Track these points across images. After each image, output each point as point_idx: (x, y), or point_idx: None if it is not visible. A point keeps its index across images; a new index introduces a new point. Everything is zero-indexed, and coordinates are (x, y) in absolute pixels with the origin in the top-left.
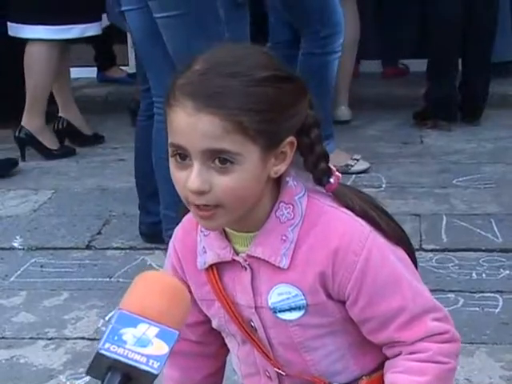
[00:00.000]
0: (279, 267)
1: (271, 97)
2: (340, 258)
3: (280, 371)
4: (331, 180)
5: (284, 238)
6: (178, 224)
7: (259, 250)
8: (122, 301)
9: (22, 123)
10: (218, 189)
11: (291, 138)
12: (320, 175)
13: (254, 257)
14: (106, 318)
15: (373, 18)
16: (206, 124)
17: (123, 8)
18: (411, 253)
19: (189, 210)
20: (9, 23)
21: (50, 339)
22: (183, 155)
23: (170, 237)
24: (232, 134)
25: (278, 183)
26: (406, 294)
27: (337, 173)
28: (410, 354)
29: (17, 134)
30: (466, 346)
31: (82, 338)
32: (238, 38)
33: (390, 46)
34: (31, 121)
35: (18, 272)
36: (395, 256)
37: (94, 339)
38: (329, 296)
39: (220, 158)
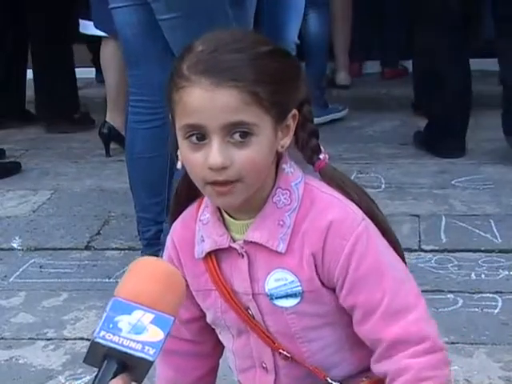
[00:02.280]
0: (276, 252)
1: (279, 69)
2: (329, 241)
3: (285, 353)
4: (321, 157)
5: (281, 223)
6: (154, 226)
7: (256, 235)
8: (116, 288)
9: (106, 119)
10: (239, 162)
11: (294, 111)
12: (311, 152)
13: (251, 242)
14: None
15: (372, 19)
16: (225, 97)
17: (113, 5)
18: (397, 245)
19: (177, 215)
20: (81, 20)
21: (49, 340)
22: (200, 135)
23: (146, 239)
24: (250, 106)
25: (275, 170)
26: (389, 287)
27: (323, 151)
28: (394, 378)
29: (101, 129)
30: (465, 346)
31: (81, 339)
32: None
33: (389, 47)
34: (115, 116)
35: (17, 272)
36: (384, 247)
37: None
38: (322, 283)
39: (239, 132)
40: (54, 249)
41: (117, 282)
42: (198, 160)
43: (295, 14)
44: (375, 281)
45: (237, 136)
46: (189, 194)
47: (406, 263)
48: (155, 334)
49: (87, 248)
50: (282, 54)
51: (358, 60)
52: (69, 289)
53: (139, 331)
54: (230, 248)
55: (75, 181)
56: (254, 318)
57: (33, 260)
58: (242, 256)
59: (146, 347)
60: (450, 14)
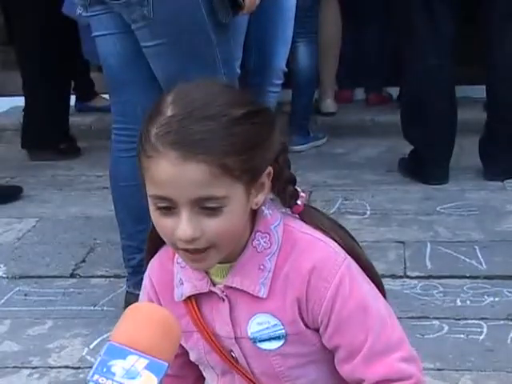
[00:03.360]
0: (257, 297)
1: (250, 134)
2: (312, 284)
3: None
4: (298, 202)
5: (262, 267)
6: (139, 254)
7: (237, 280)
8: (112, 332)
9: None
10: (210, 232)
11: (269, 169)
12: (288, 199)
13: (231, 287)
14: (91, 347)
15: (356, 45)
16: (193, 172)
17: (97, 33)
18: (379, 281)
19: (155, 249)
20: None
21: (34, 368)
22: (169, 204)
23: (132, 267)
24: (219, 178)
25: (253, 213)
26: (373, 327)
27: (302, 194)
28: None
29: None
30: (450, 372)
31: (67, 367)
32: (228, 60)
33: (373, 73)
34: None
35: (2, 301)
36: (367, 285)
37: (79, 368)
38: (306, 325)
39: (209, 203)
40: (39, 277)
41: (102, 309)
42: (168, 226)
43: (283, 42)
44: (359, 322)
45: (207, 205)
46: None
47: (386, 298)
48: (149, 380)
49: (72, 276)
50: (257, 113)
51: (346, 87)
52: (54, 317)
53: (133, 376)
54: (210, 292)
55: (60, 208)
56: (237, 360)
57: (18, 288)
58: (223, 300)
59: None
60: (438, 37)
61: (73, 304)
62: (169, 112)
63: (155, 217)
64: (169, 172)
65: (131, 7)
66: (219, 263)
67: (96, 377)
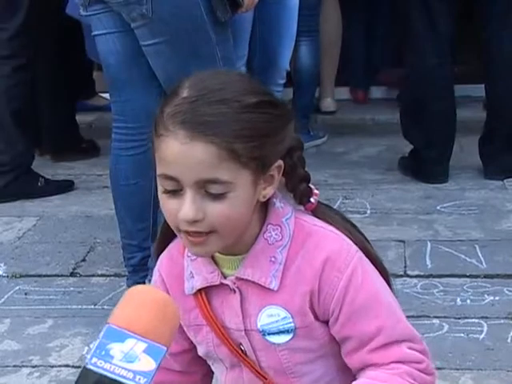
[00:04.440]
0: (269, 289)
1: (262, 123)
2: (325, 275)
3: None
4: (312, 200)
5: (273, 259)
6: (139, 252)
7: (248, 272)
8: (111, 315)
9: None
10: (212, 216)
11: (279, 162)
12: (301, 196)
13: (242, 279)
14: (91, 346)
15: (360, 45)
16: (200, 152)
17: (96, 32)
18: (387, 277)
19: (164, 247)
20: None
21: (34, 367)
22: (175, 185)
23: (132, 266)
24: (226, 162)
25: (265, 206)
26: (386, 318)
27: (316, 191)
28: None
29: None
30: (451, 372)
31: (67, 366)
32: (227, 58)
33: (374, 72)
34: None
35: (2, 299)
36: (378, 278)
37: (79, 367)
38: (316, 317)
39: (213, 187)
40: (40, 275)
41: (102, 308)
42: (172, 208)
43: (288, 42)
44: (371, 312)
45: (211, 190)
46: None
47: (394, 293)
48: (147, 364)
49: (72, 275)
50: (271, 104)
51: (361, 87)
52: (54, 316)
53: (131, 360)
54: (221, 284)
55: (60, 207)
56: (246, 353)
57: (18, 287)
58: (234, 292)
59: (137, 376)
60: (436, 36)
61: (73, 303)
62: (184, 94)
63: (162, 198)
64: (177, 150)
65: (130, 6)
66: (230, 255)
67: (94, 360)
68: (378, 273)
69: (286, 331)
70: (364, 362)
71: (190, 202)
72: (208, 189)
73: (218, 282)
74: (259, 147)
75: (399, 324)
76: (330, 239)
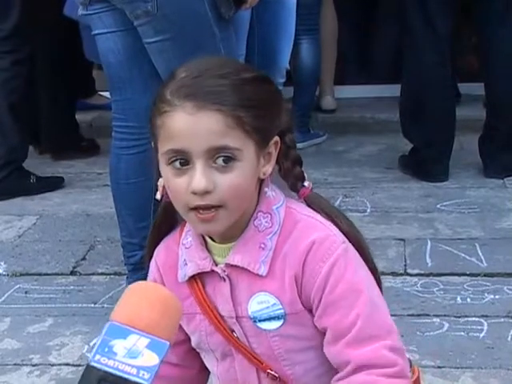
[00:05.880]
0: (258, 275)
1: (262, 95)
2: (308, 261)
3: (273, 373)
4: (305, 184)
5: (262, 246)
6: (139, 251)
7: (238, 258)
8: (112, 311)
9: None
10: (222, 187)
11: (276, 138)
12: (295, 180)
13: (232, 266)
14: (91, 344)
15: (358, 45)
16: (208, 121)
17: (97, 31)
18: (376, 273)
19: (156, 243)
20: None
21: (34, 365)
22: (183, 160)
23: (132, 264)
24: (233, 130)
25: (257, 195)
26: (364, 311)
27: (308, 182)
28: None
29: None
30: (451, 370)
31: (67, 365)
32: (231, 55)
33: (372, 70)
34: None
35: (2, 298)
36: (363, 271)
37: (79, 365)
38: (303, 304)
39: (222, 157)
40: (40, 274)
41: (102, 307)
42: (182, 185)
43: (287, 41)
44: (349, 303)
45: (220, 161)
46: (166, 226)
47: (381, 291)
48: (150, 359)
49: (73, 273)
50: (265, 80)
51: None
52: (54, 314)
53: (134, 355)
54: (212, 272)
55: (60, 206)
56: (239, 339)
57: (18, 285)
58: (224, 280)
59: (141, 372)
60: (434, 35)
61: (73, 301)
62: (182, 74)
63: (169, 177)
64: (185, 121)
65: (135, 3)
66: (221, 243)
67: (98, 357)
68: (365, 267)
69: (277, 317)
70: (341, 356)
71: (200, 172)
72: (217, 159)
73: (209, 269)
74: (261, 117)
75: (378, 318)
76: (317, 228)
